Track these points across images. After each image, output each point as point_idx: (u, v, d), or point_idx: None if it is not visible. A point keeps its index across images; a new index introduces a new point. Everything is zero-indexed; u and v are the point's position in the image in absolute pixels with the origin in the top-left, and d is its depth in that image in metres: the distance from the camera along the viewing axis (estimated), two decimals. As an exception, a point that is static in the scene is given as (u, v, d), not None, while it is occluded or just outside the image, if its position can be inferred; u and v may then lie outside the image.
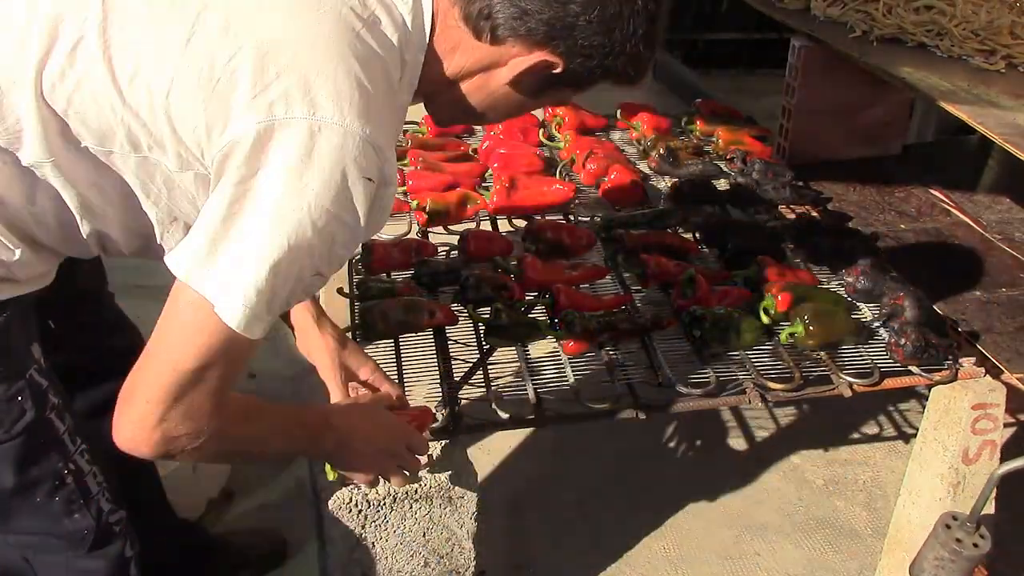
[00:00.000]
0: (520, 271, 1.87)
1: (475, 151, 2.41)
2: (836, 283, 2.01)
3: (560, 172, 2.33)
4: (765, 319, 1.81)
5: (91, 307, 1.57)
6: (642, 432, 2.52)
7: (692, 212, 2.20)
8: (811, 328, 1.74)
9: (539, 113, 2.68)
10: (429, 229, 2.11)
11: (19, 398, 1.20)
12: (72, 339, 1.47)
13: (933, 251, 2.30)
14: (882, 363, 1.78)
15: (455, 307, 1.81)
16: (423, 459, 1.44)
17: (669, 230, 2.13)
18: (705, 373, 1.70)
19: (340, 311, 1.79)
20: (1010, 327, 1.97)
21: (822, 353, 1.78)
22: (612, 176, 2.25)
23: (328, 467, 1.41)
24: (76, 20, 1.06)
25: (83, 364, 1.53)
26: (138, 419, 1.04)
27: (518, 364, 1.71)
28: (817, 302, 1.82)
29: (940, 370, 1.79)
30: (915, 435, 1.95)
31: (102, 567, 1.36)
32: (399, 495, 1.52)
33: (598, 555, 2.17)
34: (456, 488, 1.54)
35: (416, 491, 1.53)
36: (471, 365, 1.71)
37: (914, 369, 1.78)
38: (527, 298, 1.84)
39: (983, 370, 1.83)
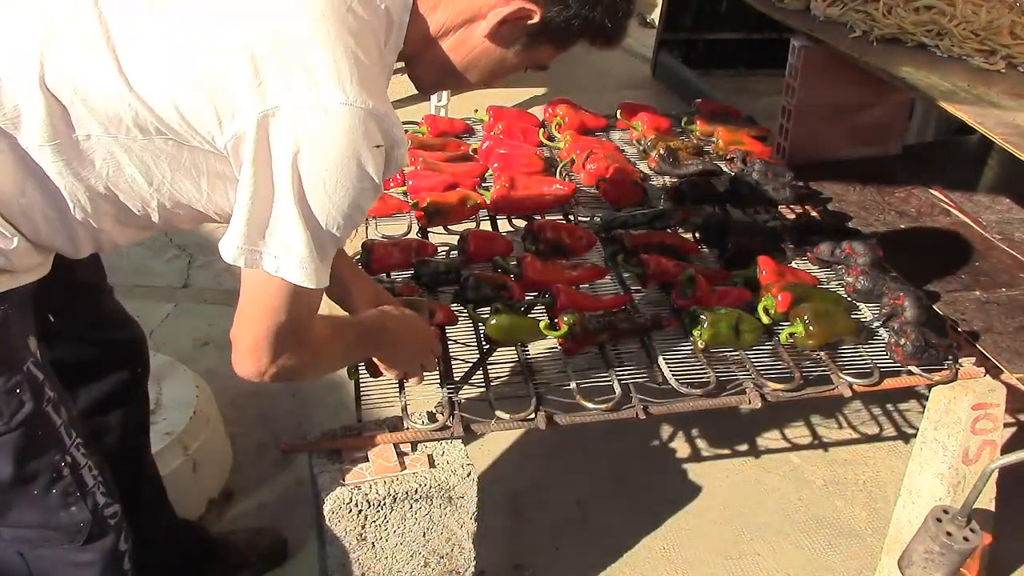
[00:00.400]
0: (520, 271, 1.87)
1: (475, 151, 2.41)
2: (836, 283, 2.01)
3: (560, 172, 2.33)
4: (765, 319, 1.81)
5: (91, 300, 1.57)
6: (642, 432, 2.52)
7: (692, 212, 2.20)
8: (811, 328, 1.74)
9: (539, 113, 2.68)
10: (429, 229, 2.11)
11: (18, 390, 1.20)
12: (72, 333, 1.48)
13: (933, 251, 2.30)
14: (882, 363, 1.78)
15: (455, 307, 1.81)
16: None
17: (669, 230, 2.14)
18: (705, 373, 1.70)
19: (340, 311, 1.79)
20: (1010, 327, 1.97)
21: (822, 353, 1.78)
22: (612, 176, 2.25)
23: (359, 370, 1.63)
24: (78, 5, 1.08)
25: (85, 358, 1.54)
26: (254, 367, 1.23)
27: (518, 364, 1.71)
28: (817, 302, 1.82)
29: (940, 370, 1.79)
30: (915, 435, 1.95)
31: (96, 560, 1.36)
32: (399, 495, 1.52)
33: (598, 555, 2.17)
34: (456, 488, 1.54)
35: (416, 491, 1.53)
36: (471, 365, 1.71)
37: (914, 369, 1.78)
38: (527, 298, 1.85)
39: (983, 370, 1.83)
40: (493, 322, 1.70)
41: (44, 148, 1.10)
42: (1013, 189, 2.58)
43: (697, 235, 2.14)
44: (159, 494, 1.83)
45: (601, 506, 2.31)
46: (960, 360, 1.83)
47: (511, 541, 2.19)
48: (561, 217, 2.19)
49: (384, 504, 1.51)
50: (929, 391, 1.85)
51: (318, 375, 1.43)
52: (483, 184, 2.26)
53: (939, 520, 1.67)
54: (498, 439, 2.46)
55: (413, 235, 2.09)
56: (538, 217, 2.14)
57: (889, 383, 1.77)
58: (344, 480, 1.50)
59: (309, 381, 2.64)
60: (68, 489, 1.29)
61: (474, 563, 1.64)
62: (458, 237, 2.00)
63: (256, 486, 2.28)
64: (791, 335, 1.76)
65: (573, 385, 1.66)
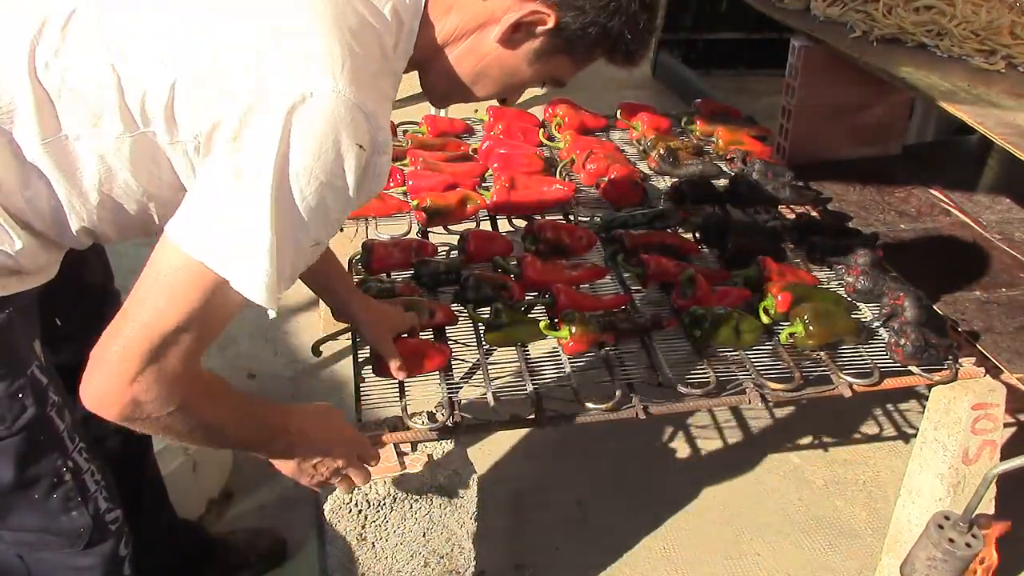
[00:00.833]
0: (520, 271, 1.87)
1: (475, 151, 2.41)
2: (836, 283, 2.01)
3: (560, 172, 2.33)
4: (765, 319, 1.81)
5: (97, 304, 1.57)
6: (642, 432, 2.52)
7: (692, 212, 2.20)
8: (811, 328, 1.74)
9: (539, 113, 2.68)
10: (429, 229, 2.11)
11: (20, 395, 1.20)
12: (78, 337, 1.47)
13: (933, 251, 2.30)
14: (882, 363, 1.78)
15: (455, 307, 1.81)
16: (373, 470, 1.45)
17: (669, 230, 2.14)
18: (705, 373, 1.70)
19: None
20: (1010, 327, 1.97)
21: (822, 353, 1.78)
22: (612, 176, 2.25)
23: None
24: (76, 1, 1.07)
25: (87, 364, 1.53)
26: (110, 376, 1.04)
27: (518, 364, 1.71)
28: (817, 302, 1.82)
29: (940, 370, 1.79)
30: (915, 435, 1.95)
31: (97, 564, 1.36)
32: (399, 495, 1.52)
33: (598, 555, 2.17)
34: (456, 488, 1.54)
35: (416, 491, 1.53)
36: (471, 365, 1.71)
37: (914, 369, 1.78)
38: (527, 298, 1.85)
39: (983, 370, 1.83)
40: (491, 335, 1.70)
41: (37, 146, 1.07)
42: (1013, 189, 2.58)
43: (697, 235, 2.14)
44: (160, 496, 1.83)
45: (601, 506, 2.31)
46: (960, 360, 1.82)
47: (511, 541, 2.19)
48: (561, 217, 2.19)
49: (384, 504, 1.52)
50: (929, 391, 1.85)
51: (173, 436, 1.13)
52: (483, 184, 2.26)
53: (941, 527, 1.67)
54: (498, 439, 2.46)
55: (413, 235, 2.09)
56: (538, 217, 2.14)
57: (889, 383, 1.77)
58: None
59: (313, 388, 2.64)
60: (69, 494, 1.29)
61: (474, 563, 1.64)
62: (458, 237, 2.00)
63: (256, 486, 2.28)
64: (791, 335, 1.76)
65: (573, 385, 1.66)
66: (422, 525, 1.56)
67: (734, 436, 2.57)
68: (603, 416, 1.64)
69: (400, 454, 1.55)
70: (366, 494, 1.50)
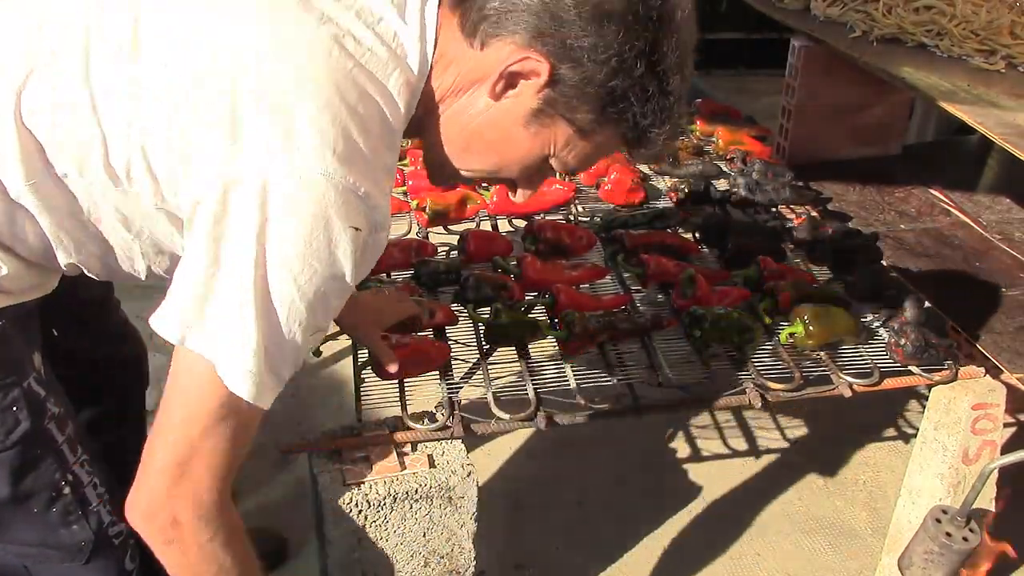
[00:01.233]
0: (520, 271, 1.87)
1: (475, 151, 2.41)
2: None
3: (560, 172, 2.33)
4: (765, 319, 1.81)
5: (97, 316, 1.56)
6: (642, 432, 2.52)
7: (692, 212, 2.20)
8: (811, 328, 1.74)
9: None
10: (429, 229, 2.11)
11: (14, 408, 1.17)
12: (76, 348, 1.45)
13: (933, 251, 2.30)
14: (882, 363, 1.78)
15: (455, 307, 1.81)
16: None
17: (669, 230, 2.14)
18: (705, 373, 1.70)
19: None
20: (1010, 327, 1.97)
21: (822, 353, 1.78)
22: (612, 176, 2.25)
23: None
24: (57, 41, 1.02)
25: (86, 373, 1.49)
26: (149, 491, 1.03)
27: (518, 364, 1.71)
28: (817, 302, 1.82)
29: (940, 370, 1.79)
30: (915, 435, 1.95)
31: None
32: (399, 495, 1.52)
33: (598, 555, 2.17)
34: (456, 488, 1.54)
35: (416, 491, 1.52)
36: (471, 365, 1.71)
37: (914, 369, 1.78)
38: (527, 298, 1.84)
39: (983, 370, 1.83)
40: (491, 335, 1.70)
41: (21, 185, 1.03)
42: (1013, 189, 2.58)
43: (697, 235, 2.14)
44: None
45: (601, 506, 2.31)
46: (960, 360, 1.82)
47: (511, 541, 2.19)
48: (561, 217, 2.19)
49: (384, 504, 1.51)
50: (929, 391, 1.85)
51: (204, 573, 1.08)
52: (483, 184, 2.25)
53: (938, 520, 1.67)
54: (498, 439, 2.46)
55: (413, 235, 2.09)
56: (538, 217, 2.14)
57: (889, 383, 1.77)
58: (344, 480, 1.50)
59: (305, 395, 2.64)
60: (68, 507, 1.26)
61: (474, 563, 1.64)
62: (458, 237, 1.99)
63: (256, 486, 2.28)
64: (791, 335, 1.76)
65: (573, 385, 1.66)
66: (422, 525, 1.56)
67: (734, 436, 2.57)
68: (603, 416, 1.64)
69: (400, 454, 1.55)
70: (366, 494, 1.50)
